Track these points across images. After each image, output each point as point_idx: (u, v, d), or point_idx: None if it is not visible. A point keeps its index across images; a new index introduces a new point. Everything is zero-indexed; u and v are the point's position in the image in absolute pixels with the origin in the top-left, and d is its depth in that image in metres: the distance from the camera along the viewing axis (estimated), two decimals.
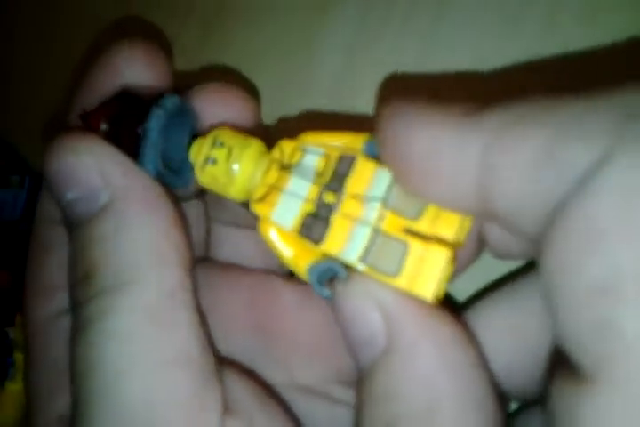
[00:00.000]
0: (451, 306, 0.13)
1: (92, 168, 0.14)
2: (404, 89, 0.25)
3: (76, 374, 0.14)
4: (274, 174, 0.15)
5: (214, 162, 0.15)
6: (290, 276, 0.19)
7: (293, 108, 0.27)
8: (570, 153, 0.09)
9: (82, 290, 0.14)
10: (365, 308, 0.13)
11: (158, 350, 0.13)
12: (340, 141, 0.15)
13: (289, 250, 0.14)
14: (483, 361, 0.12)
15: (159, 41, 0.17)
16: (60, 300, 0.16)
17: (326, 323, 0.18)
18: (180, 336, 0.14)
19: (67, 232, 0.15)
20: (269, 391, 0.16)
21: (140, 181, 0.15)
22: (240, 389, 0.15)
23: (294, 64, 0.28)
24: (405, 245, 0.13)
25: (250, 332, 0.18)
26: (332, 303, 0.14)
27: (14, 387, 0.33)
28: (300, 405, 0.17)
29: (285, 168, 0.15)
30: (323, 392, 0.17)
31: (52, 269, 0.17)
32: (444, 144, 0.11)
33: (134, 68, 0.16)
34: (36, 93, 0.43)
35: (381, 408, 0.12)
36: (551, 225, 0.10)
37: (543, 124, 0.10)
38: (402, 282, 0.13)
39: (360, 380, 0.13)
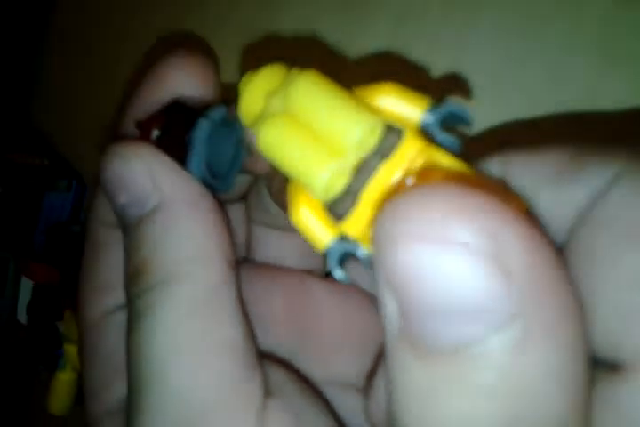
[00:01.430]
0: None
1: (142, 173, 0.15)
2: None
3: (130, 363, 0.15)
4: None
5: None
6: (326, 276, 0.20)
7: None
8: (587, 167, 0.11)
9: (134, 286, 0.15)
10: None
11: (203, 339, 0.14)
12: (397, 102, 0.12)
13: (313, 229, 0.13)
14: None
15: (208, 55, 0.18)
16: (115, 297, 0.17)
17: (360, 321, 0.19)
18: (224, 326, 0.15)
19: (121, 234, 0.16)
20: (307, 381, 0.17)
21: (187, 185, 0.16)
22: (280, 376, 0.16)
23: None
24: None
25: (288, 329, 0.18)
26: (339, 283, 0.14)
27: (64, 376, 0.35)
28: (338, 400, 0.17)
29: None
30: (359, 388, 0.18)
31: (106, 268, 0.18)
32: None
33: (185, 80, 0.17)
34: (83, 106, 0.45)
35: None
36: (583, 220, 0.11)
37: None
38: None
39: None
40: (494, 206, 0.09)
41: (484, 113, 0.25)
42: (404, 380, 0.10)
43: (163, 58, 0.17)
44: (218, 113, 0.16)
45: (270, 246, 0.20)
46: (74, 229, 0.41)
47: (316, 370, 0.18)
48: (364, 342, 0.18)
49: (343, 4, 0.29)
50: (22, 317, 0.38)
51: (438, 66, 0.26)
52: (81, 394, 0.35)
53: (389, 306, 0.10)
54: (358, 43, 0.29)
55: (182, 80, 0.17)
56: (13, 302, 0.39)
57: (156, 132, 0.16)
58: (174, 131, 0.16)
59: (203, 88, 0.17)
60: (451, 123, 0.12)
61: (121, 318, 0.17)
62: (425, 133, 0.12)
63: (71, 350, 0.35)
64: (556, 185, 0.11)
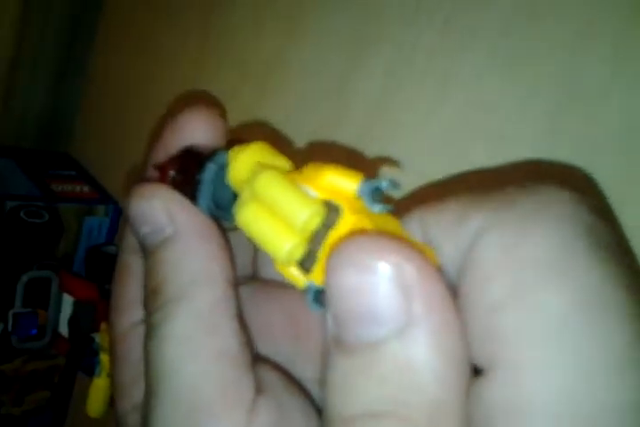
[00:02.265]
0: None
1: (159, 209, 0.18)
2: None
3: (146, 366, 0.17)
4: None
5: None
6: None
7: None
8: (469, 216, 0.14)
9: (150, 302, 0.18)
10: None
11: (204, 347, 0.17)
12: (338, 179, 0.16)
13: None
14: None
15: (218, 109, 0.21)
16: (138, 313, 0.20)
17: None
18: (223, 337, 0.17)
19: (143, 258, 0.19)
20: (295, 381, 0.19)
21: (196, 218, 0.18)
22: (271, 376, 0.18)
23: (326, 115, 0.33)
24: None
25: (288, 339, 0.20)
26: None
27: (100, 382, 0.38)
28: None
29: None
30: None
31: (132, 288, 0.20)
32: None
33: (198, 130, 0.20)
34: (120, 138, 0.49)
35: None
36: (464, 264, 0.13)
37: (454, 206, 0.14)
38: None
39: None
40: (402, 247, 0.13)
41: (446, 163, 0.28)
42: (334, 372, 0.14)
43: (181, 112, 0.20)
44: (222, 157, 0.19)
45: (272, 266, 0.21)
46: (110, 250, 0.45)
47: (310, 372, 0.20)
48: None
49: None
50: (64, 329, 0.42)
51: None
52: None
53: (328, 317, 0.14)
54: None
55: (196, 130, 0.20)
56: (56, 316, 0.43)
57: (172, 174, 0.19)
58: (187, 173, 0.19)
59: (213, 136, 0.20)
60: (378, 194, 0.15)
61: (142, 331, 0.19)
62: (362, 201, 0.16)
63: (106, 358, 0.37)
64: (451, 234, 0.14)
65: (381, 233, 0.14)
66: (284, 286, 0.22)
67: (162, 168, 0.20)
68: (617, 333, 0.12)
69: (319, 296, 0.16)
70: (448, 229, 0.14)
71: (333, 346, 0.14)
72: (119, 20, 0.50)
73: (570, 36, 0.24)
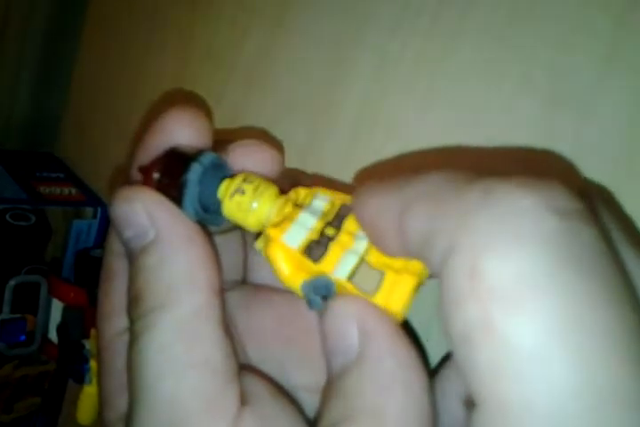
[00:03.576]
0: (410, 334, 0.16)
1: (141, 212, 0.17)
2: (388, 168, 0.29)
3: (129, 376, 0.17)
4: (288, 209, 0.18)
5: (243, 192, 0.18)
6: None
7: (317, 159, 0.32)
8: (436, 235, 0.13)
9: (133, 310, 0.17)
10: (348, 322, 0.15)
11: (186, 357, 0.16)
12: (341, 196, 0.18)
13: (287, 268, 0.17)
14: (428, 383, 0.15)
15: (202, 108, 0.21)
16: (123, 320, 0.19)
17: None
18: (205, 347, 0.16)
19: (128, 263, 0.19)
20: (282, 390, 0.18)
21: (180, 222, 0.18)
22: (257, 386, 0.17)
23: (317, 119, 0.32)
24: (383, 273, 0.16)
25: (280, 343, 0.20)
26: (319, 315, 0.16)
27: (91, 390, 0.37)
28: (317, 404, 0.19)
29: (298, 206, 0.18)
30: None
31: (117, 294, 0.19)
32: (379, 212, 0.15)
33: (183, 131, 0.19)
34: (107, 139, 0.48)
35: (344, 402, 0.15)
36: (439, 285, 0.13)
37: (425, 212, 0.13)
38: (378, 300, 0.16)
39: (329, 380, 0.16)
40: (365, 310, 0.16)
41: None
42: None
43: (164, 112, 0.19)
44: (208, 157, 0.18)
45: (265, 269, 0.21)
46: (99, 253, 0.44)
47: (300, 378, 0.20)
48: None
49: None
50: (53, 335, 0.41)
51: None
52: None
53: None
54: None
55: (180, 131, 0.19)
56: (45, 321, 0.42)
57: (156, 176, 0.19)
58: (171, 174, 0.18)
59: (198, 137, 0.19)
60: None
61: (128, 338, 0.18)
62: None
63: (96, 365, 0.37)
64: (422, 256, 0.14)
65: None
66: (275, 290, 0.21)
67: (145, 170, 0.19)
68: (596, 364, 0.11)
69: (321, 290, 0.16)
70: (421, 241, 0.14)
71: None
72: (103, 20, 0.49)
73: (558, 34, 0.24)
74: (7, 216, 0.42)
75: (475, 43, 0.26)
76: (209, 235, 0.19)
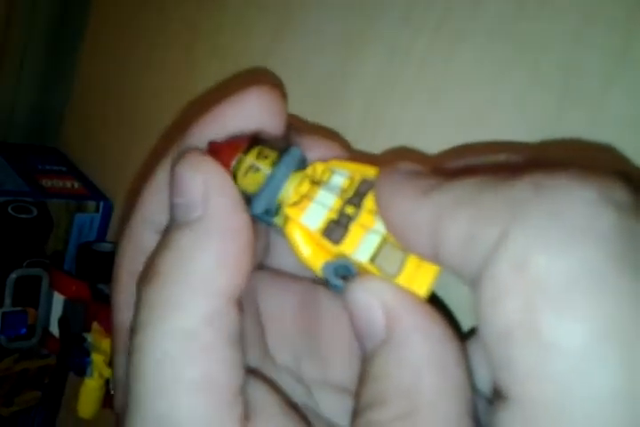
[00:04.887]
0: (441, 309, 0.15)
1: (198, 187, 0.16)
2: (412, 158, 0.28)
3: (129, 373, 0.15)
4: (305, 187, 0.17)
5: (257, 170, 0.16)
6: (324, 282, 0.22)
7: None
8: (481, 233, 0.12)
9: (143, 285, 0.16)
10: (371, 305, 0.15)
11: (188, 373, 0.14)
12: (360, 169, 0.17)
13: (307, 249, 0.16)
14: (462, 356, 0.14)
15: (282, 92, 0.18)
16: None
17: None
18: (209, 364, 0.15)
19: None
20: (292, 402, 0.18)
21: (235, 213, 0.16)
22: (263, 398, 0.16)
23: (324, 101, 0.32)
24: (405, 255, 0.16)
25: (296, 332, 0.19)
26: (342, 297, 0.15)
27: (92, 383, 0.37)
28: (331, 402, 0.19)
29: (316, 183, 0.17)
30: (352, 392, 0.19)
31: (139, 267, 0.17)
32: (408, 212, 0.14)
33: (263, 114, 0.17)
34: (110, 132, 0.48)
35: (376, 385, 0.14)
36: (477, 281, 0.12)
37: (468, 210, 0.13)
38: (401, 281, 0.15)
39: (363, 362, 0.15)
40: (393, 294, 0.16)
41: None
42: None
43: (247, 89, 0.17)
44: (297, 154, 0.17)
45: (285, 255, 0.20)
46: (101, 247, 0.44)
47: (317, 371, 0.19)
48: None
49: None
50: (54, 328, 0.41)
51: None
52: (106, 399, 0.37)
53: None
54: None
55: (260, 113, 0.17)
56: (47, 315, 0.42)
57: (235, 160, 0.17)
58: (254, 161, 0.17)
59: (276, 123, 0.17)
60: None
61: None
62: None
63: (98, 358, 0.37)
64: (464, 250, 0.13)
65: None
66: (293, 276, 0.21)
67: (221, 150, 0.17)
68: None
69: (342, 272, 0.16)
70: (460, 244, 0.13)
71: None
72: (109, 15, 0.49)
73: (571, 28, 0.24)
74: (9, 209, 0.42)
75: (485, 38, 0.26)
76: (257, 235, 0.17)
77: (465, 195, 0.13)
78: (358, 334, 0.15)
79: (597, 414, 0.10)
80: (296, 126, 0.18)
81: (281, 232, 0.17)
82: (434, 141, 0.28)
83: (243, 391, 0.15)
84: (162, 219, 0.17)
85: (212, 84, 0.39)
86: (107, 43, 0.49)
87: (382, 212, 0.15)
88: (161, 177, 0.17)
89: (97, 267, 0.42)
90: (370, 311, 0.15)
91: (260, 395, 0.16)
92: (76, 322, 0.39)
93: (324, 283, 0.20)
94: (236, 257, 0.16)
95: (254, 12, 0.36)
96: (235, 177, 0.17)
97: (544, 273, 0.11)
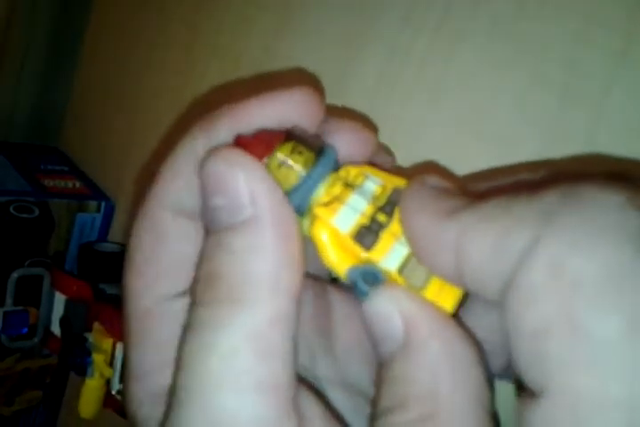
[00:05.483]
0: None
1: (241, 183, 0.15)
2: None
3: (180, 369, 0.15)
4: (338, 189, 0.16)
5: (291, 167, 0.16)
6: (332, 281, 0.21)
7: None
8: (510, 241, 0.13)
9: (199, 291, 0.15)
10: (392, 311, 0.15)
11: (253, 374, 0.14)
12: (392, 178, 0.17)
13: (333, 251, 0.16)
14: (481, 359, 0.14)
15: (322, 96, 0.17)
16: (172, 284, 0.17)
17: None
18: (275, 364, 0.14)
19: (203, 229, 0.16)
20: (334, 410, 0.18)
21: (284, 211, 0.15)
22: (311, 409, 0.16)
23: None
24: (430, 272, 0.16)
25: (312, 330, 0.19)
26: (362, 301, 0.15)
27: (93, 383, 0.37)
28: (344, 400, 0.19)
29: (349, 186, 0.16)
30: (365, 392, 0.19)
31: (165, 255, 0.17)
32: (433, 232, 0.14)
33: (300, 113, 0.16)
34: (109, 142, 0.48)
35: (395, 389, 0.14)
36: (507, 288, 0.13)
37: (496, 223, 0.13)
38: (428, 294, 0.15)
39: (380, 366, 0.15)
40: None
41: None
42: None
43: (288, 88, 0.17)
44: (334, 154, 0.17)
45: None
46: (103, 247, 0.44)
47: (327, 370, 0.19)
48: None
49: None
50: (56, 328, 0.41)
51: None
52: (107, 399, 0.37)
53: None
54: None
55: (298, 113, 0.16)
56: (48, 314, 0.42)
57: (271, 154, 0.16)
58: (289, 158, 0.16)
59: (312, 126, 0.17)
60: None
61: (177, 306, 0.16)
62: None
63: (99, 358, 0.37)
64: (493, 256, 0.13)
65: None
66: (310, 276, 0.20)
67: (253, 144, 0.16)
68: None
69: (369, 278, 0.16)
70: (490, 251, 0.13)
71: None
72: (109, 15, 0.49)
73: (572, 29, 0.24)
74: (11, 208, 0.42)
75: (485, 38, 0.26)
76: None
77: (491, 211, 0.14)
78: (375, 338, 0.15)
79: (638, 404, 0.11)
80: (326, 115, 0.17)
81: (304, 233, 0.17)
82: (434, 141, 0.28)
83: (299, 401, 0.15)
84: (182, 201, 0.17)
85: (214, 86, 0.39)
86: (107, 43, 0.49)
87: (405, 228, 0.15)
88: (182, 160, 0.17)
89: (98, 267, 0.42)
90: (390, 316, 0.15)
91: (309, 405, 0.16)
92: (78, 322, 0.39)
93: (338, 284, 0.21)
94: (294, 256, 0.15)
95: (254, 12, 0.36)
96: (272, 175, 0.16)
97: (579, 272, 0.12)
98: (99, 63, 0.50)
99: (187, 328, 0.15)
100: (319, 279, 0.20)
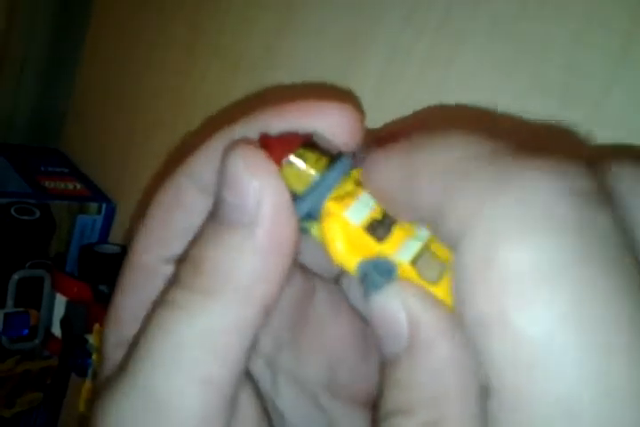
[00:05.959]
0: None
1: (251, 187, 0.15)
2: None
3: (142, 337, 0.15)
4: (350, 186, 0.16)
5: (307, 171, 0.16)
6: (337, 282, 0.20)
7: None
8: (452, 212, 0.13)
9: (183, 271, 0.16)
10: (398, 309, 0.14)
11: (198, 368, 0.15)
12: None
13: (343, 244, 0.16)
14: None
15: (362, 120, 0.17)
16: (171, 250, 0.17)
17: (353, 335, 0.20)
18: (226, 363, 0.15)
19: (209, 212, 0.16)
20: (269, 417, 0.18)
21: (286, 225, 0.15)
22: (248, 412, 0.16)
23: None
24: (444, 267, 0.15)
25: (286, 322, 0.19)
26: (370, 297, 0.15)
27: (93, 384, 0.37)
28: (292, 396, 0.19)
29: (360, 184, 0.16)
30: (315, 394, 0.19)
31: (177, 221, 0.17)
32: (385, 175, 0.15)
33: (332, 126, 0.17)
34: (110, 144, 0.48)
35: (400, 393, 0.14)
36: (455, 259, 0.13)
37: (438, 180, 0.13)
38: (439, 290, 0.15)
39: (384, 367, 0.15)
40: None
41: None
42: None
43: (329, 102, 0.17)
44: (349, 162, 0.17)
45: (304, 247, 0.20)
46: (103, 249, 0.44)
47: (291, 363, 0.19)
48: (354, 360, 0.19)
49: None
50: (56, 329, 0.41)
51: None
52: None
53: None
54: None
55: (337, 129, 0.17)
56: (49, 316, 0.42)
57: (289, 158, 0.16)
58: (306, 162, 0.16)
59: (348, 145, 0.17)
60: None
61: (170, 270, 0.17)
62: None
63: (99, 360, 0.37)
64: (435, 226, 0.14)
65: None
66: (304, 269, 0.20)
67: (275, 145, 0.16)
68: (609, 355, 0.11)
69: (382, 271, 0.15)
70: (429, 219, 0.14)
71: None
72: (110, 16, 0.49)
73: (572, 30, 0.24)
74: (12, 210, 0.42)
75: (486, 38, 0.26)
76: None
77: (442, 156, 0.13)
78: (380, 339, 0.15)
79: (571, 399, 0.11)
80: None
81: (312, 236, 0.17)
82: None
83: (236, 396, 0.16)
84: (205, 178, 0.17)
85: (215, 86, 0.39)
86: (107, 43, 0.49)
87: (364, 177, 0.16)
88: (218, 142, 0.17)
89: (99, 268, 0.42)
90: (396, 314, 0.14)
91: (246, 404, 0.16)
92: (78, 323, 0.39)
93: (338, 281, 0.21)
94: (276, 271, 0.15)
95: (256, 12, 0.36)
96: (282, 173, 0.16)
97: (508, 267, 0.12)
98: (99, 64, 0.50)
99: (161, 301, 0.16)
100: (313, 275, 0.20)
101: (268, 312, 0.16)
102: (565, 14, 0.24)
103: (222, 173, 0.16)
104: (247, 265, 0.15)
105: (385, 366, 0.15)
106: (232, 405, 0.15)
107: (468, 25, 0.27)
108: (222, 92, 0.37)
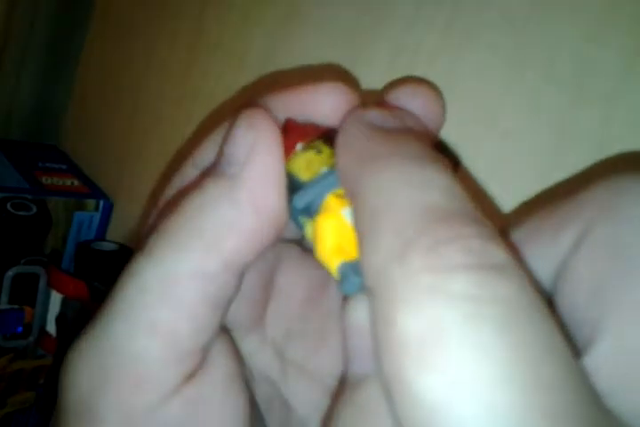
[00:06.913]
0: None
1: (246, 139, 0.15)
2: None
3: (124, 277, 0.15)
4: None
5: (320, 152, 0.16)
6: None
7: None
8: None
9: (161, 221, 0.15)
10: (365, 324, 0.13)
11: (154, 315, 0.14)
12: None
13: (331, 243, 0.15)
14: None
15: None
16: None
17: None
18: (179, 312, 0.15)
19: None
20: (243, 377, 0.17)
21: (268, 186, 0.15)
22: (218, 365, 0.16)
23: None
24: None
25: (298, 313, 0.19)
26: (343, 308, 0.14)
27: None
28: (299, 387, 0.18)
29: None
30: (323, 385, 0.18)
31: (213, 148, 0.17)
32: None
33: (335, 111, 0.17)
34: (109, 141, 0.48)
35: (356, 419, 0.13)
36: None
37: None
38: None
39: (344, 384, 0.14)
40: None
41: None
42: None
43: (332, 83, 0.17)
44: None
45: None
46: (100, 246, 0.44)
47: (300, 354, 0.19)
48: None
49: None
50: (51, 327, 0.40)
51: None
52: None
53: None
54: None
55: (332, 109, 0.17)
56: (44, 313, 0.41)
57: (304, 145, 0.16)
58: (321, 151, 0.16)
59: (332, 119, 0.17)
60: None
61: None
62: None
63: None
64: (546, 251, 0.14)
65: None
66: (310, 259, 0.19)
67: (294, 130, 0.16)
68: (508, 420, 0.10)
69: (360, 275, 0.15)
70: (543, 246, 0.14)
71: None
72: (112, 11, 0.49)
73: (585, 26, 0.24)
74: (8, 205, 0.41)
75: (496, 36, 0.26)
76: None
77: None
78: (348, 352, 0.14)
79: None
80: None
81: (305, 233, 0.17)
82: (445, 139, 0.27)
83: (204, 351, 0.15)
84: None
85: (218, 81, 0.38)
86: (110, 39, 0.49)
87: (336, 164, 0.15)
88: (221, 136, 0.17)
89: (96, 266, 0.42)
90: (365, 330, 0.13)
91: (219, 361, 0.16)
92: (74, 321, 0.39)
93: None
94: (251, 230, 0.15)
95: (258, 9, 0.36)
96: (294, 159, 0.16)
97: (406, 331, 0.11)
98: (99, 60, 0.50)
99: (144, 245, 0.15)
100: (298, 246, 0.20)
101: (235, 271, 0.15)
102: (577, 12, 0.24)
103: (232, 128, 0.16)
104: (220, 217, 0.15)
105: (345, 380, 0.14)
106: (193, 359, 0.15)
107: (477, 21, 0.27)
108: (223, 90, 0.37)
